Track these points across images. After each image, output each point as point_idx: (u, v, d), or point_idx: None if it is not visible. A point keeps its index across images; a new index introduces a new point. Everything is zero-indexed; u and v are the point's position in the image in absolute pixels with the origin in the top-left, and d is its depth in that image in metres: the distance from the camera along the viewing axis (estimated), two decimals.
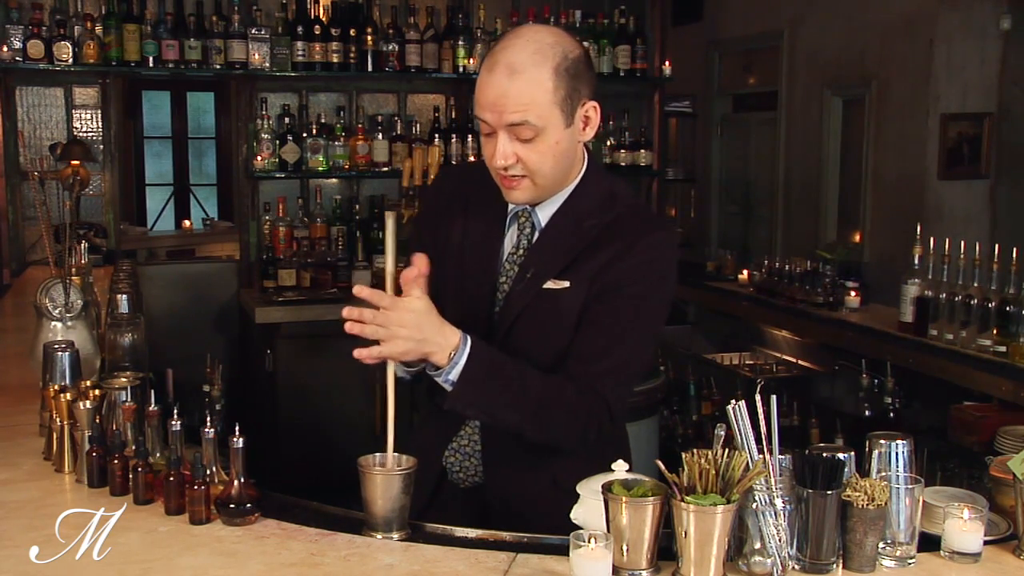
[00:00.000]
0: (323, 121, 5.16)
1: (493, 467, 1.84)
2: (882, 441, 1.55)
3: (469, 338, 1.67)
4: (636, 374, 1.86)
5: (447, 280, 1.85)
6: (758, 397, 1.47)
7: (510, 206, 1.84)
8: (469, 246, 1.87)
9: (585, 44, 4.34)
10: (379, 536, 1.59)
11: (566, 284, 1.77)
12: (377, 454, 1.63)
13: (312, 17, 5.03)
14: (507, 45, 1.69)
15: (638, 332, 1.78)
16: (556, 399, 1.72)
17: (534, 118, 1.66)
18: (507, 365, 1.71)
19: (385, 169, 5.11)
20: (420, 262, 1.66)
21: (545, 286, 1.77)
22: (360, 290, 1.64)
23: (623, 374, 1.79)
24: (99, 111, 5.08)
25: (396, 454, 1.64)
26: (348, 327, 1.62)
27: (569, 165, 1.77)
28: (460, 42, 5.16)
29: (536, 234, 1.82)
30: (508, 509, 1.82)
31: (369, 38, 5.02)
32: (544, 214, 1.81)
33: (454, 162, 5.04)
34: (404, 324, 1.60)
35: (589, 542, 1.36)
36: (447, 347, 1.64)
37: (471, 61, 5.18)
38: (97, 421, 1.83)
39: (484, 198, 1.86)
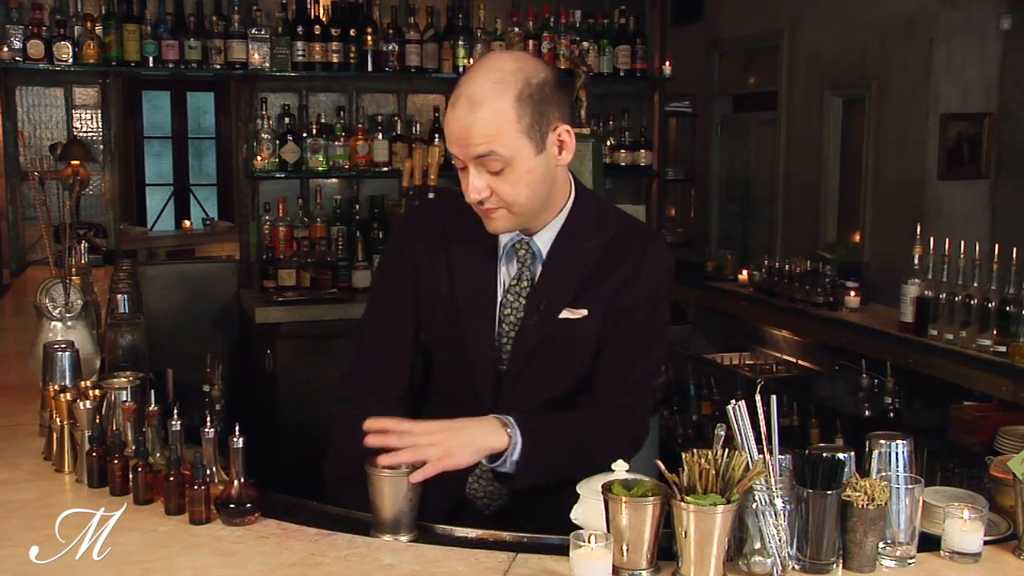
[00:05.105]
0: (323, 121, 5.16)
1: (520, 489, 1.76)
2: (882, 441, 1.55)
3: (508, 416, 1.64)
4: (655, 378, 1.90)
5: (441, 330, 1.82)
6: (758, 397, 1.47)
7: (503, 238, 1.79)
8: (461, 289, 1.79)
9: (585, 44, 4.39)
10: (387, 538, 1.59)
11: (584, 312, 1.76)
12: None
13: (312, 17, 5.03)
14: (469, 77, 1.64)
15: (654, 343, 1.84)
16: (597, 433, 1.74)
17: (500, 148, 1.61)
18: (553, 424, 1.72)
19: (385, 169, 5.10)
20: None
21: (561, 316, 1.76)
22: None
23: (647, 385, 1.84)
24: (99, 111, 5.08)
25: None
26: (385, 459, 1.55)
27: (548, 192, 1.71)
28: (460, 42, 5.16)
29: (539, 264, 1.78)
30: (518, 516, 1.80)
31: (369, 38, 5.02)
32: (543, 242, 1.77)
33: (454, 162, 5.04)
34: (438, 428, 1.58)
35: (589, 542, 1.36)
36: (495, 428, 1.62)
37: (471, 61, 5.18)
38: (97, 421, 1.82)
39: (466, 236, 1.79)
